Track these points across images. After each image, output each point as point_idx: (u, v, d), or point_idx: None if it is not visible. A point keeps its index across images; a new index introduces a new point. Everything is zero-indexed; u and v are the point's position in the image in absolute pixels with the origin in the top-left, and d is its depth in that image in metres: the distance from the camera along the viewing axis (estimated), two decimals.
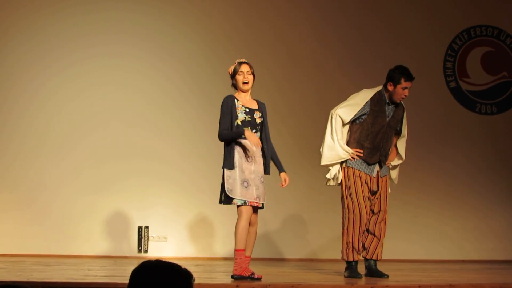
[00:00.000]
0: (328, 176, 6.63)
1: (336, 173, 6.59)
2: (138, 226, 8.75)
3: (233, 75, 6.23)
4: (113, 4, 8.93)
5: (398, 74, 6.50)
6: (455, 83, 9.51)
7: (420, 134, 8.97)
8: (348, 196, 6.53)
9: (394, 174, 6.85)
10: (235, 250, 6.04)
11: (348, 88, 6.80)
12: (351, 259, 6.51)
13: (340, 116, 6.55)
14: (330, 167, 6.61)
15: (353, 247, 6.50)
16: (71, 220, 8.69)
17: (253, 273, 5.97)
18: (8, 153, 8.68)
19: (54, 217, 8.68)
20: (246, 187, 6.07)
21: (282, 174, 6.25)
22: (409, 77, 6.48)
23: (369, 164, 6.55)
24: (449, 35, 9.54)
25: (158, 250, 8.71)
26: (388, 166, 6.69)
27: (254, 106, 6.26)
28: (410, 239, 9.06)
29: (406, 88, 6.49)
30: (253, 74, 6.24)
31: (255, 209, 6.13)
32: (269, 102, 8.93)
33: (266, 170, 6.19)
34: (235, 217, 8.74)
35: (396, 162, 6.79)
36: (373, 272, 6.58)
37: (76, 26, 8.84)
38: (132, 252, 8.73)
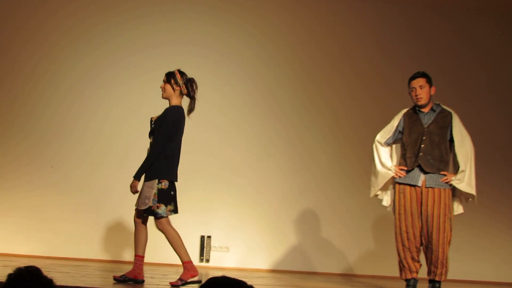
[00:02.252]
0: (384, 204, 6.70)
1: (388, 200, 6.64)
2: (201, 235, 8.80)
3: None
4: (176, 15, 9.07)
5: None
6: None
7: (485, 153, 8.86)
8: (395, 213, 6.53)
9: (464, 186, 6.47)
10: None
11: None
12: (403, 277, 6.53)
13: (377, 141, 6.71)
14: (382, 197, 6.70)
15: (402, 265, 6.49)
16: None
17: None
18: (73, 158, 8.82)
19: (119, 223, 8.77)
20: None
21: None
22: (411, 78, 6.59)
23: (409, 171, 6.48)
24: None
25: (219, 260, 8.75)
26: (447, 182, 6.43)
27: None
28: (476, 259, 8.91)
29: (413, 88, 6.55)
30: (167, 81, 6.45)
31: (140, 213, 6.52)
32: (331, 116, 9.00)
33: (146, 176, 6.37)
34: (299, 229, 8.83)
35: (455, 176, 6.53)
36: None
37: (143, 36, 9.02)
38: (194, 261, 8.59)
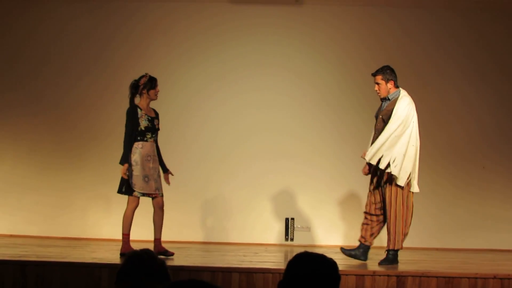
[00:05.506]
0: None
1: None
2: (286, 218, 9.24)
3: (150, 88, 7.09)
4: (269, 39, 9.61)
5: None
6: None
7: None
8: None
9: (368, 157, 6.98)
10: (123, 234, 7.11)
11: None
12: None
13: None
14: None
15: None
16: (230, 212, 9.25)
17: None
18: (178, 153, 9.23)
19: (217, 209, 9.24)
20: (146, 182, 7.02)
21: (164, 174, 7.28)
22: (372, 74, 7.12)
23: None
24: None
25: (302, 239, 9.17)
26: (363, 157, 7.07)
27: (153, 114, 7.17)
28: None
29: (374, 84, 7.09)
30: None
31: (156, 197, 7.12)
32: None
33: (163, 168, 7.28)
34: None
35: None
36: None
37: (238, 57, 9.56)
38: (280, 240, 9.21)
